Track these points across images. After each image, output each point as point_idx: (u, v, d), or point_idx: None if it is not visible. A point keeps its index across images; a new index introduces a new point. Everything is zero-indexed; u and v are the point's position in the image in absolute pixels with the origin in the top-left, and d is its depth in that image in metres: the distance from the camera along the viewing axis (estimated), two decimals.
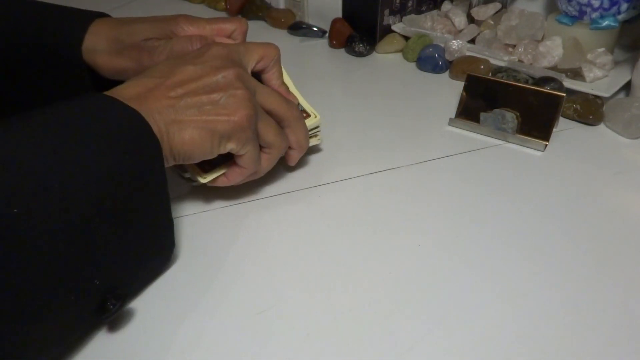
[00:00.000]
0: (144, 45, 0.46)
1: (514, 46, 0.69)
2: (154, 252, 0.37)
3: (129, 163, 0.33)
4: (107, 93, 0.35)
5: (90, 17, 0.48)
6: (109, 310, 0.32)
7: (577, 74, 0.62)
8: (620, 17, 0.63)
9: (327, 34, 0.80)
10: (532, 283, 0.38)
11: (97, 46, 0.47)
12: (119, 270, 0.34)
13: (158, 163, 0.35)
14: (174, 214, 0.44)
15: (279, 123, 0.44)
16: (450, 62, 0.70)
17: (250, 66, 0.43)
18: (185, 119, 0.37)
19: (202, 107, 0.37)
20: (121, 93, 0.36)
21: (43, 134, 0.31)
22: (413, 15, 0.80)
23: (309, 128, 0.47)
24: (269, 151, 0.43)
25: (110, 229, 0.32)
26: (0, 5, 0.48)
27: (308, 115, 0.49)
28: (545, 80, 0.60)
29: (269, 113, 0.42)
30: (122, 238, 0.33)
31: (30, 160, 0.29)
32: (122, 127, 0.33)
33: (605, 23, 0.63)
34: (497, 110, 0.54)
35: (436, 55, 0.70)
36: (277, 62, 0.45)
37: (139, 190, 0.34)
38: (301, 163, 0.52)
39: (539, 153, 0.53)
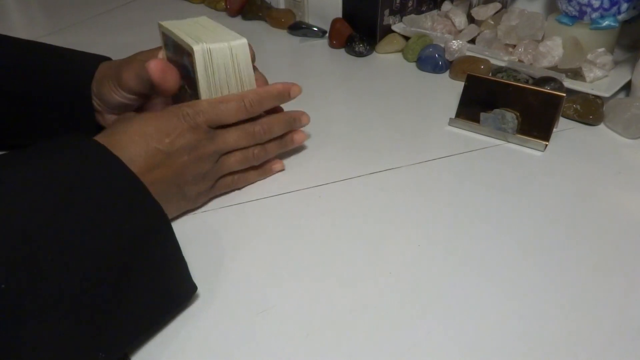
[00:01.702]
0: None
1: (514, 46, 0.69)
2: (169, 308, 0.35)
3: (129, 229, 0.31)
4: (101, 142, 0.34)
5: (97, 59, 0.50)
6: None
7: (577, 74, 0.62)
8: (620, 17, 0.63)
9: (327, 34, 0.80)
10: (532, 283, 0.38)
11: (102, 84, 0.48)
12: (126, 340, 0.32)
13: (165, 226, 0.34)
14: (172, 215, 0.45)
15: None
16: (450, 62, 0.70)
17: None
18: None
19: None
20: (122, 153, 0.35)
21: (35, 190, 0.29)
22: (413, 15, 0.80)
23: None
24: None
25: (113, 297, 0.30)
26: (13, 47, 0.50)
27: None
28: (545, 80, 0.60)
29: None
30: (127, 306, 0.31)
31: (19, 222, 0.27)
32: (122, 192, 0.32)
33: (606, 23, 0.63)
34: (497, 110, 0.54)
35: (436, 55, 0.70)
36: None
37: (144, 254, 0.32)
38: (301, 163, 0.52)
39: (539, 153, 0.53)
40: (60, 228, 0.28)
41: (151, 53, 0.48)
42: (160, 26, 0.45)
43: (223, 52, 0.42)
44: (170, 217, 0.39)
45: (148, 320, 0.33)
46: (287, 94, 0.48)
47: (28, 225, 0.28)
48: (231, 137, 0.44)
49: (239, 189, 0.48)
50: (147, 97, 0.49)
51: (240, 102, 0.43)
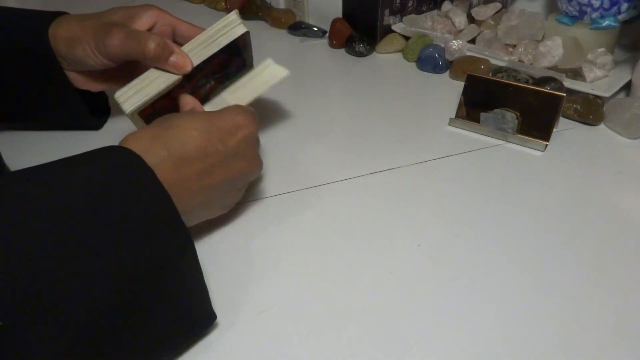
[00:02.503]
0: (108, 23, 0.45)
1: (514, 46, 0.69)
2: (183, 338, 0.33)
3: (151, 252, 0.29)
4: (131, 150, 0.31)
5: (52, 15, 0.48)
6: None
7: (577, 74, 0.62)
8: (620, 17, 0.63)
9: (327, 34, 0.80)
10: (532, 283, 0.38)
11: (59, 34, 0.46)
12: None
13: (190, 251, 0.32)
14: None
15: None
16: (451, 62, 0.70)
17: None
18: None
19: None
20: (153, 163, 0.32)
21: (50, 209, 0.26)
22: (413, 15, 0.80)
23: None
24: None
25: (125, 326, 0.28)
26: None
27: None
28: (545, 80, 0.60)
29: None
30: (140, 335, 0.29)
31: (25, 248, 0.25)
32: (149, 212, 0.29)
33: (606, 23, 0.63)
34: (497, 110, 0.54)
35: (436, 55, 0.70)
36: None
37: (164, 279, 0.30)
38: (301, 163, 0.52)
39: (539, 153, 0.53)
40: (73, 252, 0.26)
41: (131, 13, 0.46)
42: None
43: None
44: (200, 221, 0.39)
45: (160, 352, 0.31)
46: None
47: (35, 251, 0.25)
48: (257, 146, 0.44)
49: None
50: (130, 63, 0.47)
51: None
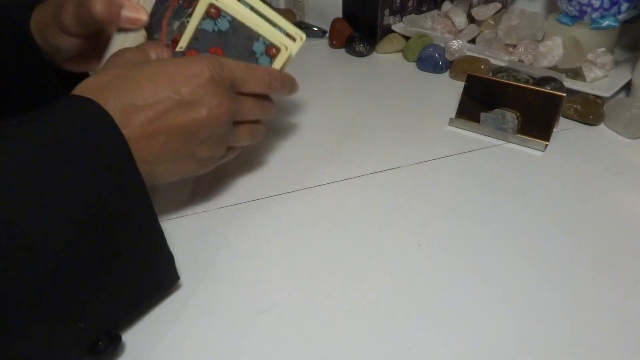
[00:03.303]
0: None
1: (514, 46, 0.69)
2: (149, 289, 0.34)
3: (109, 199, 0.30)
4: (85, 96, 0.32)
5: (30, 5, 0.47)
6: (100, 353, 0.30)
7: (577, 74, 0.62)
8: (620, 17, 0.63)
9: (327, 34, 0.80)
10: (533, 283, 0.38)
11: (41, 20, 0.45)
12: (108, 313, 0.31)
13: (142, 195, 0.32)
14: (174, 215, 0.45)
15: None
16: (451, 62, 0.70)
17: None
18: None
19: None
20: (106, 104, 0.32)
21: (16, 150, 0.28)
22: (413, 15, 0.80)
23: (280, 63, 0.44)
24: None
25: (90, 271, 0.29)
26: None
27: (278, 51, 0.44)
28: (545, 80, 0.60)
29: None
30: (107, 278, 0.30)
31: None
32: (101, 147, 0.31)
33: (606, 23, 0.63)
34: (497, 110, 0.54)
35: (436, 55, 0.70)
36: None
37: (122, 224, 0.31)
38: (301, 163, 0.52)
39: (539, 153, 0.53)
40: (38, 187, 0.27)
41: None
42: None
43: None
44: (176, 178, 0.38)
45: (127, 298, 0.32)
46: (295, 87, 0.47)
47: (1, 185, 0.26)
48: (247, 105, 0.40)
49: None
50: (98, 35, 0.45)
51: (266, 75, 0.41)
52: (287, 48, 0.43)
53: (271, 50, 0.43)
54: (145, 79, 0.35)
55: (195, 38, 0.43)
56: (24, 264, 0.26)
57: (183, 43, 0.42)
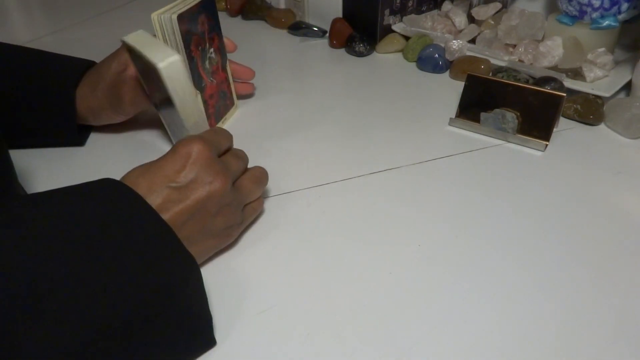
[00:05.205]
0: (116, 79, 0.51)
1: (514, 46, 0.69)
2: (187, 354, 0.33)
3: (157, 279, 0.30)
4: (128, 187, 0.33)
5: (82, 66, 0.54)
6: None
7: (577, 74, 0.62)
8: (620, 17, 0.63)
9: (327, 34, 0.80)
10: (532, 283, 0.38)
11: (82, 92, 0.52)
12: None
13: (195, 278, 0.33)
14: None
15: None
16: (451, 62, 0.70)
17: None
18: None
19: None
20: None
21: (54, 231, 0.28)
22: (413, 15, 0.80)
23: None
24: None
25: (125, 350, 0.29)
26: (4, 51, 0.53)
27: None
28: (545, 80, 0.60)
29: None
30: (152, 348, 0.30)
31: (27, 267, 0.26)
32: (152, 239, 0.31)
33: (606, 23, 0.63)
34: (497, 110, 0.54)
35: (436, 55, 0.70)
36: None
37: (167, 307, 0.31)
38: (301, 163, 0.52)
39: (539, 153, 0.53)
40: (77, 275, 0.27)
41: (121, 60, 0.51)
42: (123, 42, 0.46)
43: (177, 66, 0.43)
44: (202, 259, 0.39)
45: None
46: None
47: (38, 270, 0.26)
48: (232, 161, 0.41)
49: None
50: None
51: (221, 130, 0.43)
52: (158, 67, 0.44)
53: (157, 73, 0.45)
54: (147, 182, 0.36)
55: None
56: (56, 343, 0.26)
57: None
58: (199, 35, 0.52)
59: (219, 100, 0.58)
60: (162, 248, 0.31)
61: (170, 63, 0.43)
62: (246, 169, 0.43)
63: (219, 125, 0.58)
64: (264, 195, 0.47)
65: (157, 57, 0.43)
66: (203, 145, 0.37)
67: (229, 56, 0.60)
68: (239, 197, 0.40)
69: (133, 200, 0.33)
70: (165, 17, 0.48)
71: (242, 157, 0.43)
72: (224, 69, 0.59)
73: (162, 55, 0.43)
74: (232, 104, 0.62)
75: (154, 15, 0.48)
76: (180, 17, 0.48)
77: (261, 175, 0.44)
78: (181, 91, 0.44)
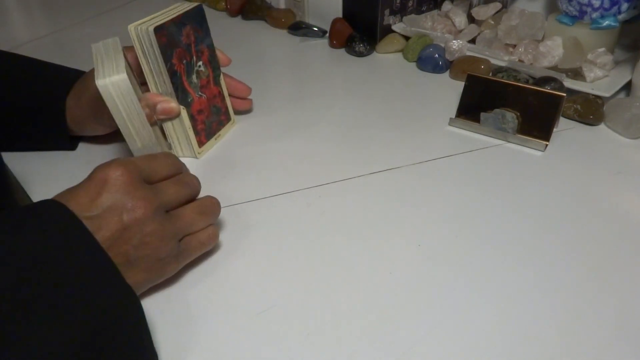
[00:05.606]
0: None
1: (514, 46, 0.69)
2: None
3: (96, 309, 0.29)
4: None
5: (74, 76, 0.53)
6: None
7: (577, 74, 0.62)
8: (620, 17, 0.63)
9: (327, 34, 0.80)
10: (532, 283, 0.38)
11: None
12: None
13: (134, 307, 0.31)
14: None
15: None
16: (451, 62, 0.70)
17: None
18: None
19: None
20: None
21: None
22: (413, 15, 0.80)
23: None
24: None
25: None
26: None
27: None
28: (545, 80, 0.60)
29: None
30: None
31: None
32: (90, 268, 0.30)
33: (606, 23, 0.63)
34: (497, 110, 0.54)
35: (436, 55, 0.70)
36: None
37: (107, 338, 0.29)
38: (301, 163, 0.52)
39: (539, 153, 0.53)
40: (19, 304, 0.26)
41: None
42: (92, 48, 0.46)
43: (118, 85, 0.42)
44: (143, 288, 0.36)
45: None
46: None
47: None
48: (168, 188, 0.37)
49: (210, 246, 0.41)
50: None
51: (168, 158, 0.39)
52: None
53: None
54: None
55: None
56: None
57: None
58: (183, 48, 0.49)
59: (210, 115, 0.54)
60: (100, 278, 0.30)
61: (111, 82, 0.41)
62: (193, 199, 0.40)
63: (212, 141, 0.55)
64: (263, 195, 0.47)
65: (100, 73, 0.41)
66: (123, 169, 0.34)
67: (225, 70, 0.57)
68: (173, 227, 0.36)
69: (71, 227, 0.31)
70: (142, 28, 0.45)
71: (189, 184, 0.39)
72: (217, 83, 0.55)
73: (105, 73, 0.41)
74: (228, 119, 0.58)
75: (131, 27, 0.45)
76: (159, 29, 0.46)
77: (210, 205, 0.40)
78: (124, 112, 0.43)
